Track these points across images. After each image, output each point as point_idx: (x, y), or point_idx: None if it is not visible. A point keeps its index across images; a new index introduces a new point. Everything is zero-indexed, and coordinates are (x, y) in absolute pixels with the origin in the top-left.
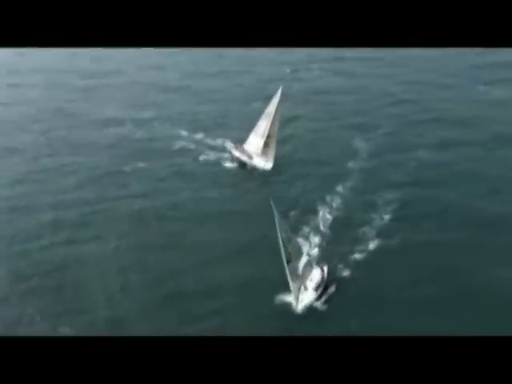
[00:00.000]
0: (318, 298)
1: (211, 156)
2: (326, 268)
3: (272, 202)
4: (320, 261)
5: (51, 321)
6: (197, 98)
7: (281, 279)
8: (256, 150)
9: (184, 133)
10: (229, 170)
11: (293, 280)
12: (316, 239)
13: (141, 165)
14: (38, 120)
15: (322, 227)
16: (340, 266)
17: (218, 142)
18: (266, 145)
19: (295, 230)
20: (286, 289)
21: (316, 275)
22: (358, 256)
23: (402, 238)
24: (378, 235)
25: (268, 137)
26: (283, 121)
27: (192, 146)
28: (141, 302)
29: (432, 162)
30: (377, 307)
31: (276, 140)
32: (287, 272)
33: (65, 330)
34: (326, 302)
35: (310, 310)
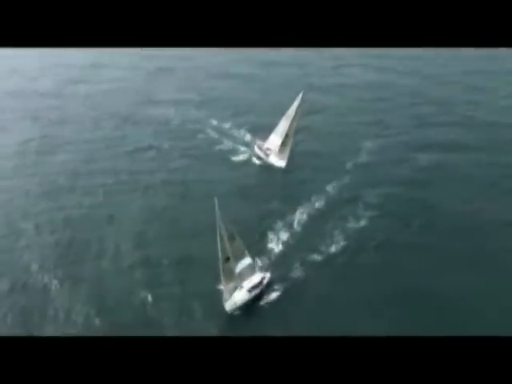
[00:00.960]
0: (253, 299)
1: (234, 147)
2: (268, 272)
3: (216, 203)
4: (267, 264)
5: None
6: (237, 89)
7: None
8: (274, 148)
9: (214, 122)
10: (246, 163)
11: (226, 280)
12: (274, 243)
13: (165, 145)
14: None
15: (287, 231)
16: (291, 269)
17: (243, 134)
18: (284, 144)
19: (253, 231)
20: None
21: (255, 277)
22: (311, 261)
23: (361, 245)
24: (342, 241)
25: (286, 137)
26: (306, 115)
27: (217, 135)
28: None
29: (428, 165)
30: (315, 311)
31: (292, 141)
32: (221, 271)
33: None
34: (261, 303)
35: (242, 309)
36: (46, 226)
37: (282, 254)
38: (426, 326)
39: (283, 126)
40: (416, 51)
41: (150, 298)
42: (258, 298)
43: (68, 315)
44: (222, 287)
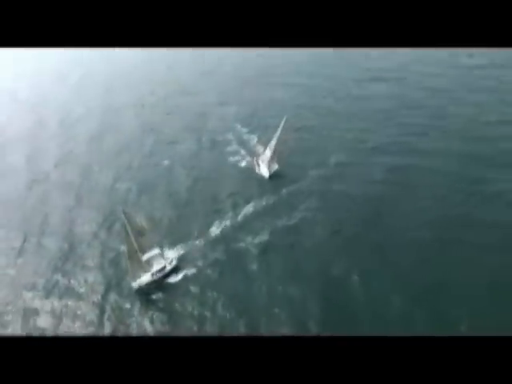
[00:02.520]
0: (158, 280)
1: (238, 151)
2: (174, 260)
3: (122, 210)
4: (179, 255)
5: None
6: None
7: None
8: (265, 160)
9: (238, 125)
10: (238, 167)
11: (132, 266)
12: (195, 239)
13: (186, 135)
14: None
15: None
16: (198, 262)
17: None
18: (272, 159)
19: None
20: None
21: (160, 264)
22: (219, 257)
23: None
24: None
25: (274, 152)
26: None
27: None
28: None
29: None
30: (205, 297)
31: (277, 157)
32: (127, 260)
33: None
34: (165, 283)
35: (147, 288)
36: None
37: (198, 249)
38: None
39: (273, 143)
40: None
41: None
42: (162, 279)
43: None
44: (130, 271)
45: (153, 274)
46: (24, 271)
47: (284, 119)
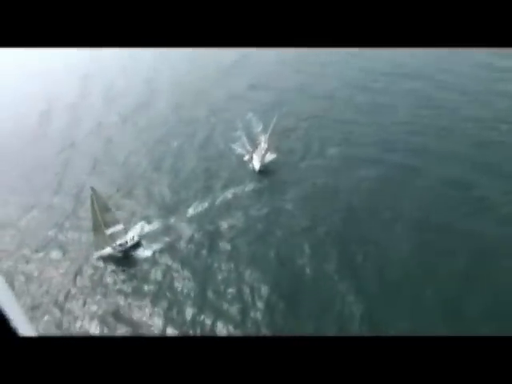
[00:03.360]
0: (119, 253)
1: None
2: (136, 236)
3: (91, 189)
4: (141, 231)
5: None
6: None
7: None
8: (258, 154)
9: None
10: (235, 158)
11: (96, 237)
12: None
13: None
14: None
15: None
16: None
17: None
18: (265, 153)
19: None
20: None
21: (122, 239)
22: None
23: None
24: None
25: (266, 148)
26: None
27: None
28: None
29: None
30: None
31: (269, 152)
32: (93, 233)
33: None
34: (123, 256)
35: (107, 259)
36: None
37: (165, 228)
38: None
39: (267, 137)
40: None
41: None
42: (125, 253)
43: None
44: (94, 242)
45: (113, 248)
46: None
47: (275, 116)
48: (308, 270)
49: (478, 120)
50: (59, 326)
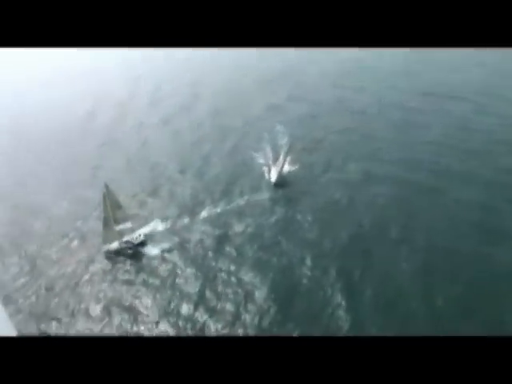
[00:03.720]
0: (126, 248)
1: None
2: (142, 235)
3: (105, 185)
4: (148, 230)
5: None
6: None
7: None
8: (277, 166)
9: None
10: (257, 168)
11: (106, 231)
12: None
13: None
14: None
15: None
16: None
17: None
18: (282, 166)
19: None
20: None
21: (129, 236)
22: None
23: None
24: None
25: (284, 162)
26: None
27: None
28: None
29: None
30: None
31: (286, 165)
32: (102, 224)
33: None
34: (133, 251)
35: (117, 252)
36: None
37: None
38: None
39: (284, 152)
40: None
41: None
42: (134, 248)
43: None
44: (103, 236)
45: (120, 243)
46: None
47: (299, 130)
48: (305, 280)
49: (510, 144)
50: (67, 306)
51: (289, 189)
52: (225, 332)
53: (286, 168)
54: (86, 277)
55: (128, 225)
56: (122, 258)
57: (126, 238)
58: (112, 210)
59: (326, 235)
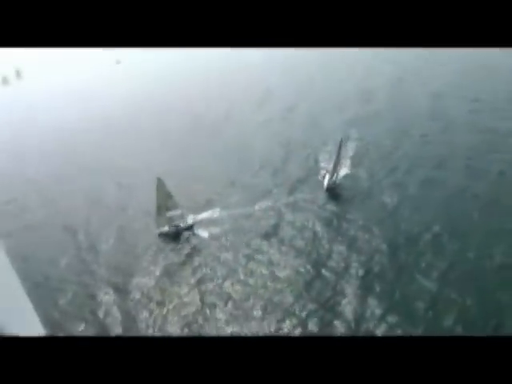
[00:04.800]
0: (175, 232)
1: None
2: (190, 220)
3: (157, 179)
4: (196, 218)
5: None
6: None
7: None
8: (332, 172)
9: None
10: (312, 176)
11: (158, 217)
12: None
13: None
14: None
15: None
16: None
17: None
18: (333, 173)
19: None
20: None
21: (178, 222)
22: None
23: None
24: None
25: (334, 166)
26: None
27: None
28: None
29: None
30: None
31: (336, 171)
32: (155, 213)
33: None
34: (175, 234)
35: (166, 235)
36: None
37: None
38: None
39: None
40: None
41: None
42: (179, 233)
43: None
44: (156, 221)
45: (170, 227)
46: None
47: (340, 142)
48: (328, 281)
49: None
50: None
51: (341, 194)
52: (233, 324)
53: (344, 172)
54: (138, 251)
55: (177, 212)
56: (170, 239)
57: (175, 223)
58: (164, 199)
59: (360, 246)
